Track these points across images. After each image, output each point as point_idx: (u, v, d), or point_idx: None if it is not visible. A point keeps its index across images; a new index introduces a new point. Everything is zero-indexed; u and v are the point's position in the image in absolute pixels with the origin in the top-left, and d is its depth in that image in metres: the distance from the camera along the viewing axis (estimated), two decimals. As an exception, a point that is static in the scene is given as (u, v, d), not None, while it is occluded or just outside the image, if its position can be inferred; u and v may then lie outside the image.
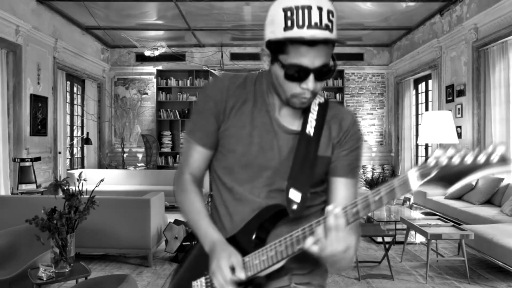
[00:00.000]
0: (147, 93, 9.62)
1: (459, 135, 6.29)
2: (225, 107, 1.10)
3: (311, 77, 0.97)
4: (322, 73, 0.98)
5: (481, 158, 0.69)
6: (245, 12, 7.08)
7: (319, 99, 1.12)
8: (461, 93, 6.39)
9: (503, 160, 0.67)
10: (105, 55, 9.41)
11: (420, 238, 4.76)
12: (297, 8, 0.93)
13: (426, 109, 8.06)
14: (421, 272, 3.72)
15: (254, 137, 1.08)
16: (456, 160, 0.71)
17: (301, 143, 1.07)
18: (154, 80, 9.53)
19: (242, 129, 1.09)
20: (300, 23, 0.93)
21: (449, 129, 5.83)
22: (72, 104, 8.26)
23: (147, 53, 7.96)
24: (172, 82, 9.42)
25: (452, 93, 6.68)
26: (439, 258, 4.06)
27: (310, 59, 0.95)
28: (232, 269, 0.98)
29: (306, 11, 0.92)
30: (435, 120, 5.90)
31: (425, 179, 0.75)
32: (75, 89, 8.44)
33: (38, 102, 6.49)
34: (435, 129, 5.85)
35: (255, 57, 9.28)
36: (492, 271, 3.75)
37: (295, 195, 1.04)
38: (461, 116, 6.36)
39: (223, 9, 6.93)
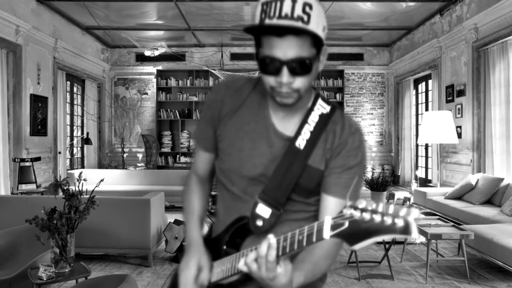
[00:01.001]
0: (147, 93, 9.62)
1: (459, 135, 6.29)
2: (220, 112, 1.11)
3: (285, 70, 0.94)
4: (297, 66, 0.94)
5: (388, 219, 0.67)
6: (245, 12, 7.08)
7: (323, 110, 1.06)
8: (461, 93, 6.39)
9: (406, 228, 0.66)
10: (105, 55, 9.41)
11: (420, 238, 4.76)
12: (272, 1, 0.92)
13: (426, 109, 8.06)
14: (421, 272, 3.72)
15: (247, 140, 1.07)
16: (366, 216, 0.70)
17: (287, 156, 1.03)
18: (154, 80, 9.53)
19: (236, 133, 1.09)
20: (271, 14, 0.91)
21: (449, 129, 5.84)
22: (72, 104, 8.27)
23: (147, 53, 7.96)
24: (172, 82, 9.43)
25: (452, 93, 6.67)
26: (439, 258, 4.05)
27: (281, 50, 0.93)
28: (200, 271, 1.03)
29: (278, 3, 0.91)
30: (435, 120, 5.90)
31: (337, 230, 0.74)
32: (75, 89, 8.45)
33: (38, 102, 6.49)
34: (435, 129, 5.85)
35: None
36: (492, 271, 3.75)
37: (263, 211, 1.02)
38: (461, 116, 6.36)
39: (223, 9, 6.93)
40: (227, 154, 1.11)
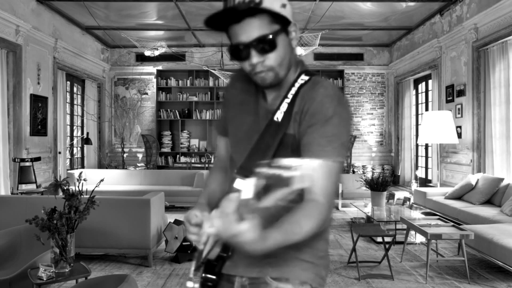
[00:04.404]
0: (147, 93, 9.62)
1: (459, 135, 6.29)
2: (230, 99, 1.20)
3: (253, 52, 1.00)
4: (261, 44, 0.99)
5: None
6: (245, 12, 7.08)
7: (301, 82, 1.08)
8: (461, 93, 6.39)
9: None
10: (105, 55, 9.41)
11: (420, 238, 4.76)
12: None
13: (426, 109, 8.06)
14: (421, 272, 3.72)
15: (244, 123, 1.14)
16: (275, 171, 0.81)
17: (266, 130, 1.06)
18: (154, 80, 9.53)
19: (236, 117, 1.17)
20: (228, 5, 0.99)
21: (449, 129, 5.84)
22: (72, 104, 8.27)
23: (147, 53, 7.96)
24: (172, 82, 9.43)
25: (452, 93, 6.68)
26: (439, 258, 4.05)
27: (244, 34, 0.99)
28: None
29: None
30: (435, 120, 5.90)
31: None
32: (75, 89, 8.44)
33: (38, 102, 6.49)
34: (435, 129, 5.85)
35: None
36: (492, 271, 3.75)
37: (241, 184, 1.03)
38: (461, 116, 6.36)
39: (223, 9, 6.93)
40: (231, 137, 1.19)
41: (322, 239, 1.11)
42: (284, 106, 1.06)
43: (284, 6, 1.00)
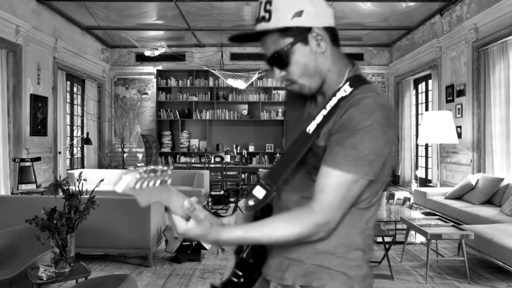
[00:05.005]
0: (147, 93, 9.62)
1: (459, 135, 6.29)
2: (292, 96, 1.18)
3: (274, 67, 1.04)
4: (275, 60, 1.02)
5: None
6: (245, 12, 7.08)
7: (343, 93, 1.01)
8: (461, 93, 6.39)
9: None
10: (105, 55, 9.41)
11: (420, 238, 4.76)
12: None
13: (426, 109, 8.05)
14: (421, 272, 3.72)
15: (289, 125, 1.18)
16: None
17: (297, 141, 1.03)
18: (154, 80, 9.53)
19: (289, 117, 1.21)
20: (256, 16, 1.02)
21: (449, 129, 5.84)
22: (72, 104, 8.26)
23: (147, 53, 7.95)
24: (172, 82, 9.43)
25: (452, 93, 6.67)
26: (439, 258, 4.05)
27: (265, 50, 1.03)
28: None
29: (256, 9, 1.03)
30: (435, 120, 5.90)
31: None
32: (75, 89, 8.44)
33: (38, 102, 6.49)
34: (435, 129, 5.85)
35: (255, 57, 9.28)
36: (492, 271, 3.75)
37: (259, 192, 1.04)
38: (461, 116, 6.36)
39: (223, 9, 6.93)
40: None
41: (352, 249, 1.04)
42: (319, 118, 1.01)
43: (299, 14, 0.96)
